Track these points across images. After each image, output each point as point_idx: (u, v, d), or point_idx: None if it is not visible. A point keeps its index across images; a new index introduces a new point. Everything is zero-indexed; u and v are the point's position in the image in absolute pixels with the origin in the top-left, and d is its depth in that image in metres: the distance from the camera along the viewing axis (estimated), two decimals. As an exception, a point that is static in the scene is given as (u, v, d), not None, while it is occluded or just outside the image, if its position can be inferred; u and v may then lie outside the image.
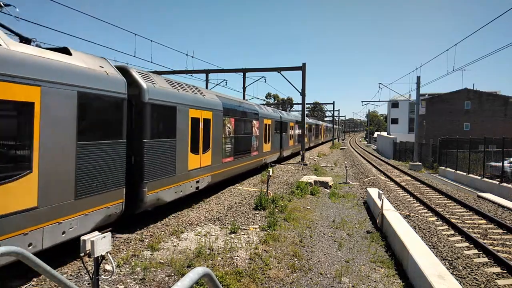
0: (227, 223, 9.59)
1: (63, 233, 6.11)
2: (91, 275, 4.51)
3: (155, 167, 8.82)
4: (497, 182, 18.66)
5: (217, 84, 31.79)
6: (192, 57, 27.40)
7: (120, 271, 6.32)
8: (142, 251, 7.32)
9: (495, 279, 7.06)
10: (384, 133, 77.19)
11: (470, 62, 70.66)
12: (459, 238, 9.86)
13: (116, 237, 8.05)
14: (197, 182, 11.49)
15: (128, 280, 5.98)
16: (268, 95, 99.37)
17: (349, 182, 19.79)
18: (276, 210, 10.96)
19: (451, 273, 6.87)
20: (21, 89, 5.30)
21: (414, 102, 32.65)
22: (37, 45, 6.19)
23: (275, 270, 6.70)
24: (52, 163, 5.82)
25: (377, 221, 10.40)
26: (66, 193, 6.12)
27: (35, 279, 5.84)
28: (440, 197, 16.02)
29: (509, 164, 19.69)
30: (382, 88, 37.48)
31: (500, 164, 19.38)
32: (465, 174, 22.75)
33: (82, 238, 4.27)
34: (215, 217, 10.19)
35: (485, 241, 9.52)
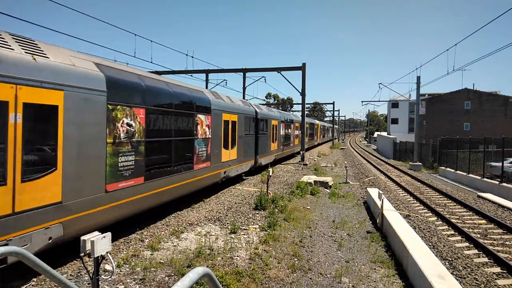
0: (227, 223, 9.59)
1: None
2: (91, 275, 4.51)
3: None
4: (497, 182, 18.66)
5: (217, 84, 31.81)
6: (192, 57, 27.22)
7: (120, 271, 6.32)
8: (142, 251, 7.32)
9: (495, 279, 7.06)
10: (384, 133, 77.19)
11: (470, 62, 70.58)
12: (459, 238, 9.85)
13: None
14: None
15: (128, 280, 5.98)
16: (268, 95, 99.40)
17: (349, 182, 19.79)
18: (276, 210, 10.96)
19: (451, 273, 6.87)
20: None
21: (414, 102, 32.65)
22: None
23: (275, 270, 6.70)
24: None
25: (377, 221, 10.40)
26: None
27: (35, 279, 5.84)
28: (440, 197, 16.01)
29: (509, 164, 19.68)
30: (382, 88, 37.50)
31: (500, 164, 19.38)
32: (465, 174, 22.74)
33: (82, 238, 4.27)
34: (215, 217, 10.19)
35: (485, 241, 9.52)
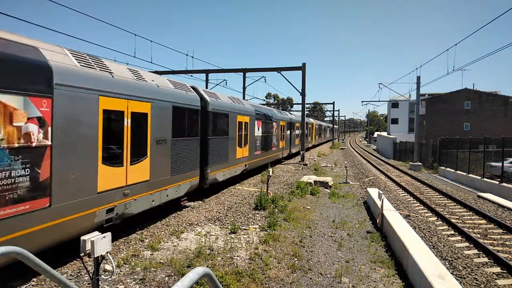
0: (227, 223, 9.59)
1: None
2: (91, 275, 4.51)
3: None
4: (497, 182, 18.66)
5: (217, 84, 31.81)
6: (192, 57, 27.18)
7: (120, 271, 6.32)
8: (142, 251, 7.32)
9: (495, 279, 7.06)
10: (384, 133, 77.21)
11: (470, 62, 70.67)
12: (459, 238, 9.85)
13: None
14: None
15: (128, 280, 5.98)
16: (268, 95, 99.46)
17: (349, 182, 19.79)
18: (276, 210, 10.96)
19: (451, 273, 6.87)
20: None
21: (414, 102, 32.65)
22: None
23: (275, 270, 6.70)
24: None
25: (377, 221, 10.40)
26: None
27: (35, 279, 5.84)
28: (440, 197, 16.02)
29: (509, 164, 19.68)
30: (382, 88, 37.51)
31: (500, 164, 19.38)
32: (465, 174, 22.75)
33: (82, 238, 4.27)
34: (215, 217, 10.19)
35: (485, 241, 9.52)
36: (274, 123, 23.11)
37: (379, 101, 59.56)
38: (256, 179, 17.89)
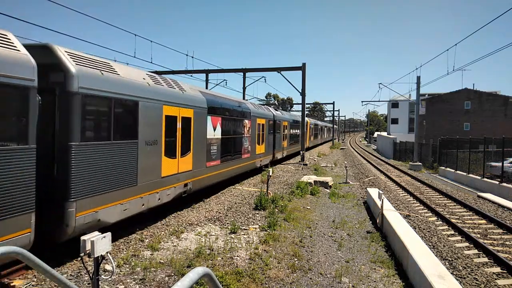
0: (227, 223, 9.59)
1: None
2: (91, 275, 4.51)
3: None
4: (497, 182, 18.66)
5: (217, 84, 31.80)
6: (192, 57, 27.19)
7: (120, 271, 6.32)
8: (142, 251, 7.32)
9: (495, 279, 7.06)
10: (384, 133, 77.20)
11: (470, 62, 70.82)
12: (459, 238, 9.85)
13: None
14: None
15: (128, 280, 5.98)
16: (268, 95, 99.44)
17: (349, 182, 19.79)
18: (276, 210, 10.96)
19: (451, 273, 6.87)
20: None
21: (414, 102, 32.65)
22: None
23: (275, 270, 6.70)
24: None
25: (377, 221, 10.40)
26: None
27: (35, 279, 5.84)
28: (440, 197, 16.02)
29: (509, 164, 19.68)
30: (382, 88, 37.54)
31: (500, 164, 19.38)
32: (465, 174, 22.74)
33: (82, 238, 4.27)
34: (215, 217, 10.19)
35: (485, 241, 9.52)
36: (247, 121, 17.09)
37: (379, 101, 59.72)
38: (256, 179, 17.89)
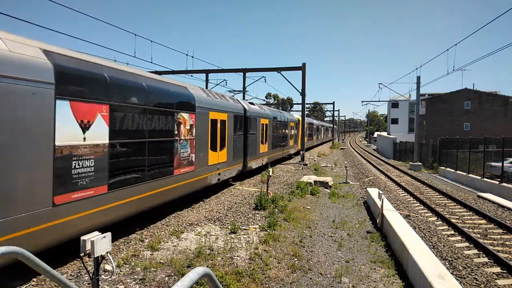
0: (227, 223, 9.59)
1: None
2: (91, 275, 4.51)
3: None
4: (497, 182, 18.66)
5: (217, 84, 31.82)
6: (192, 57, 27.26)
7: (120, 271, 6.32)
8: (142, 251, 7.32)
9: (495, 279, 7.06)
10: (384, 133, 77.19)
11: (470, 62, 70.72)
12: (459, 238, 9.85)
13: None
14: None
15: (128, 280, 5.98)
16: (268, 95, 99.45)
17: (349, 182, 19.79)
18: (276, 210, 10.96)
19: (451, 273, 6.87)
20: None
21: (414, 102, 32.65)
22: None
23: (275, 270, 6.70)
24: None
25: (377, 221, 10.40)
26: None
27: (35, 279, 5.84)
28: (440, 197, 16.02)
29: (509, 164, 19.68)
30: (382, 88, 37.51)
31: (500, 164, 19.38)
32: (465, 174, 22.74)
33: (82, 238, 4.27)
34: (215, 217, 10.19)
35: (485, 241, 9.52)
36: (183, 115, 10.57)
37: (379, 101, 59.63)
38: (256, 179, 17.89)
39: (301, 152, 26.90)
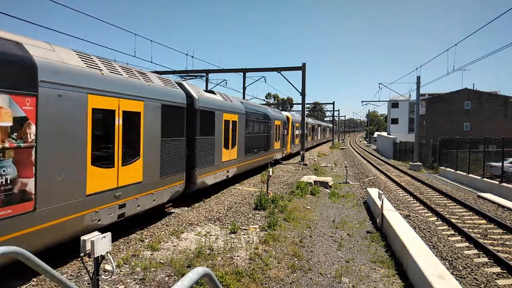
0: (227, 223, 9.59)
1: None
2: (91, 275, 4.51)
3: None
4: (497, 182, 18.66)
5: (217, 84, 31.80)
6: (192, 57, 27.48)
7: (120, 271, 6.32)
8: (142, 251, 7.32)
9: (495, 279, 7.06)
10: (384, 133, 77.21)
11: (470, 62, 70.86)
12: (459, 238, 9.86)
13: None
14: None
15: (128, 280, 5.98)
16: (268, 95, 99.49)
17: (349, 182, 19.80)
18: (276, 210, 10.96)
19: (451, 273, 6.87)
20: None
21: (414, 102, 32.65)
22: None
23: (275, 270, 6.70)
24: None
25: (377, 221, 10.40)
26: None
27: (35, 279, 5.84)
28: (440, 197, 16.02)
29: (509, 164, 19.69)
30: (382, 88, 37.53)
31: (500, 164, 19.38)
32: (465, 174, 22.75)
33: (82, 238, 4.27)
34: (215, 217, 10.19)
35: (485, 241, 9.52)
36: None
37: (379, 101, 59.73)
38: (256, 179, 17.89)
39: (301, 152, 26.91)
